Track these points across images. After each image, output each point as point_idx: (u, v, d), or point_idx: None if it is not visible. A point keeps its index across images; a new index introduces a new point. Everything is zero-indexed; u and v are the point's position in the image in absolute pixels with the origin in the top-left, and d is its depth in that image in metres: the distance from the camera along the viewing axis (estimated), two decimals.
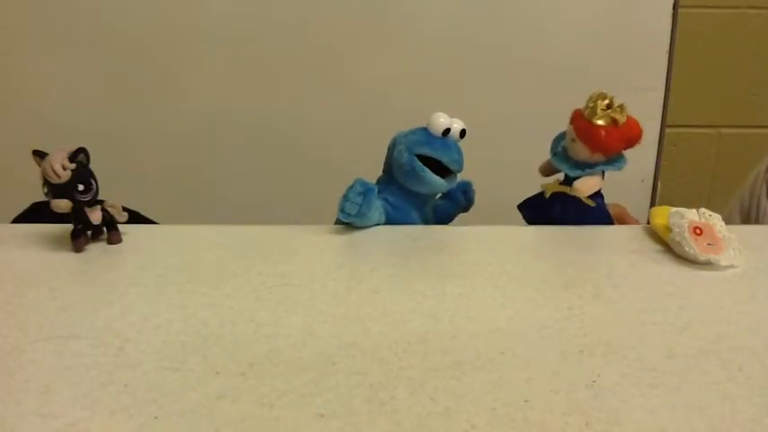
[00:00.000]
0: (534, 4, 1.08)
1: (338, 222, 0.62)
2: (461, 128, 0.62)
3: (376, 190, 0.62)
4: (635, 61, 1.10)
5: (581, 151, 0.62)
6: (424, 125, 0.62)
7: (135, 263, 0.55)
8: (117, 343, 0.42)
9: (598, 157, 0.61)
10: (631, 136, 0.61)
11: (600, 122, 0.60)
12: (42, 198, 0.55)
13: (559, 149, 0.64)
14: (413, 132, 0.63)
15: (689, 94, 1.33)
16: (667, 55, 1.10)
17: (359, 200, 0.60)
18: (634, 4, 1.09)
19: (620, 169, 0.63)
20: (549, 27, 1.09)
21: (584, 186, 0.62)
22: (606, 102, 0.60)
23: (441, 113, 0.62)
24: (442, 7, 1.07)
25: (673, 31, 1.09)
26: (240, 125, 1.10)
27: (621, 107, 0.61)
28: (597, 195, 0.64)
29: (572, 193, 0.62)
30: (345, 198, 0.60)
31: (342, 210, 0.60)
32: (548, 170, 0.66)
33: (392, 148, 0.64)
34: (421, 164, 0.61)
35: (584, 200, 0.63)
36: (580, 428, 0.34)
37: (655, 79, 1.11)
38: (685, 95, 1.30)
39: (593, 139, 0.60)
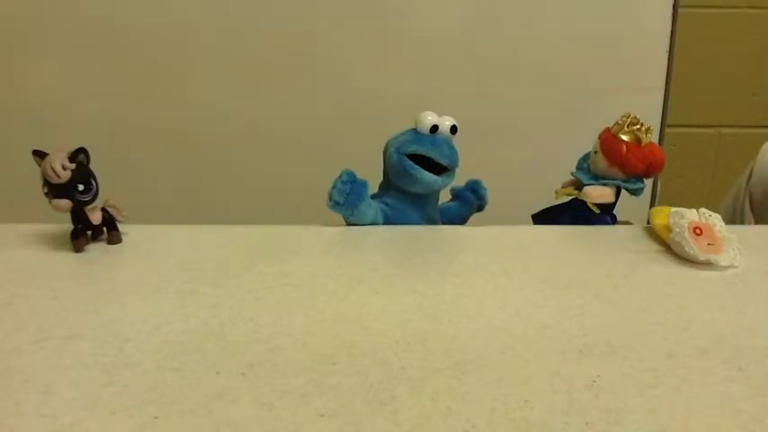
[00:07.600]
0: (534, 4, 1.08)
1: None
2: (451, 124, 0.63)
3: (367, 184, 0.62)
4: (635, 61, 1.10)
5: (601, 163, 0.64)
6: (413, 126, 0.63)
7: (135, 263, 0.55)
8: (117, 343, 0.41)
9: (616, 172, 0.64)
10: (654, 161, 0.64)
11: (624, 137, 0.63)
12: None
13: (584, 166, 0.67)
14: (402, 134, 0.64)
15: (689, 94, 1.33)
16: (667, 55, 1.10)
17: (346, 188, 0.61)
18: (634, 5, 1.09)
19: (635, 192, 0.65)
20: (550, 27, 1.09)
21: (593, 192, 0.64)
22: (635, 122, 0.64)
23: (428, 111, 0.62)
24: (442, 8, 1.07)
25: (673, 31, 1.09)
26: (240, 125, 1.10)
27: (648, 129, 0.64)
28: (606, 212, 0.65)
29: (580, 197, 0.64)
30: (333, 186, 0.61)
31: (330, 197, 0.61)
32: (568, 186, 0.68)
33: (385, 152, 0.64)
34: (411, 162, 0.61)
35: (589, 205, 0.64)
36: (580, 428, 0.34)
37: (655, 79, 1.11)
38: (685, 95, 1.30)
39: (613, 151, 0.63)
